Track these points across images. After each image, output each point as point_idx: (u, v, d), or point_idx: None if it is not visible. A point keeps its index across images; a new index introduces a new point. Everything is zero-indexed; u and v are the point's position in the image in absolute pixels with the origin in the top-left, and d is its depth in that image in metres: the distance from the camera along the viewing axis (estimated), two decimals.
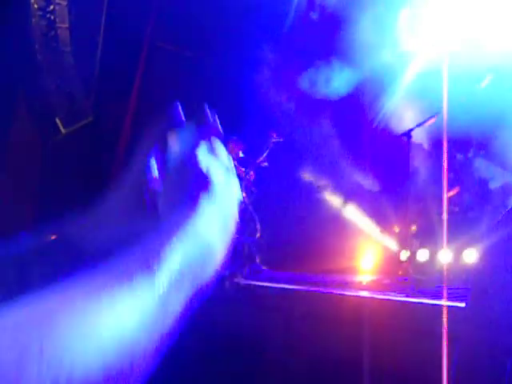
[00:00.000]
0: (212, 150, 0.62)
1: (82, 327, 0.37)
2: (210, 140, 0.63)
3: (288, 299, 4.07)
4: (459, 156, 5.32)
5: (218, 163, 0.61)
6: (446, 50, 4.30)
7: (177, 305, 0.44)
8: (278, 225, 6.24)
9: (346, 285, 4.44)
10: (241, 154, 6.13)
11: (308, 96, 6.17)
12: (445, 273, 4.12)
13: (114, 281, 0.41)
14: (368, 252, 5.41)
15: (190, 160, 0.59)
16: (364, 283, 4.44)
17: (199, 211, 0.53)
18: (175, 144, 0.63)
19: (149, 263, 0.43)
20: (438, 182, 4.39)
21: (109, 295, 0.40)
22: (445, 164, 4.45)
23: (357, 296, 3.92)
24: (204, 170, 0.58)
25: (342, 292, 4.08)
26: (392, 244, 5.44)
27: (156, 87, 6.18)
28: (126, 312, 0.40)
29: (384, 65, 5.27)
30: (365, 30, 5.11)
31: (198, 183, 0.56)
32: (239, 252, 5.87)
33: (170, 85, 6.08)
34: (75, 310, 0.38)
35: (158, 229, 0.49)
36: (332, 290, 4.14)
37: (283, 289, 4.39)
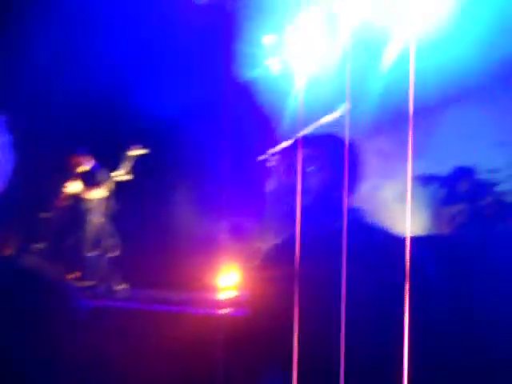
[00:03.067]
0: None
1: None
2: None
3: (145, 318, 3.99)
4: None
5: None
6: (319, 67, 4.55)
7: None
8: (140, 240, 6.15)
9: (204, 303, 4.45)
10: (87, 167, 5.95)
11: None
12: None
13: None
14: (229, 269, 5.49)
15: None
16: (223, 301, 4.49)
17: None
18: None
19: None
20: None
21: None
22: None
23: (214, 314, 3.96)
24: None
25: (200, 310, 4.09)
26: (250, 260, 5.59)
27: None
28: None
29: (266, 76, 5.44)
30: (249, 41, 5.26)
31: None
32: (95, 269, 5.71)
33: None
34: None
35: None
36: (188, 309, 4.14)
37: (140, 307, 4.30)
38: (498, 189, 5.19)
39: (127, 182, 5.98)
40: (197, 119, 6.20)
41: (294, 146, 1.57)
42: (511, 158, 5.14)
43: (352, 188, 1.63)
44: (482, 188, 5.11)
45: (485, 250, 3.06)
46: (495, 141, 5.30)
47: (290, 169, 1.60)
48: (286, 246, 1.76)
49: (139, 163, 6.04)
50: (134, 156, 6.01)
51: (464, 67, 4.80)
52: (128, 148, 5.99)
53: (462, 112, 5.31)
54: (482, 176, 5.23)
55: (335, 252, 1.72)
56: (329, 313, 1.54)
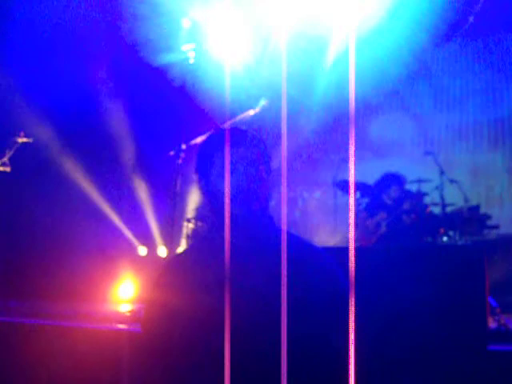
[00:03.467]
0: None
1: None
2: None
3: (29, 335, 3.71)
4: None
5: None
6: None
7: None
8: (15, 244, 5.77)
9: (100, 317, 4.27)
10: None
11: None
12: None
13: None
14: (129, 278, 5.33)
15: None
16: (124, 314, 4.33)
17: None
18: None
19: None
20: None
21: None
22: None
23: (112, 329, 3.80)
24: None
25: (96, 326, 3.91)
26: (154, 269, 5.44)
27: None
28: None
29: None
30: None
31: None
32: None
33: None
34: None
35: None
36: (83, 324, 3.93)
37: (23, 323, 4.01)
38: (426, 200, 5.46)
39: (5, 175, 5.59)
40: (97, 107, 5.96)
41: (210, 142, 1.52)
42: (438, 169, 5.45)
43: (272, 194, 1.62)
44: (409, 198, 5.32)
45: (409, 261, 3.16)
46: (422, 149, 5.60)
47: (206, 166, 1.55)
48: (197, 252, 1.69)
49: (22, 156, 5.68)
50: (15, 146, 5.63)
51: (396, 69, 5.02)
52: (9, 137, 5.61)
53: (391, 117, 5.57)
54: (410, 186, 5.48)
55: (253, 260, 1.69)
56: (259, 320, 1.49)
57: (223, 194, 1.61)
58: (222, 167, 1.66)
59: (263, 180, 1.68)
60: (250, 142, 1.71)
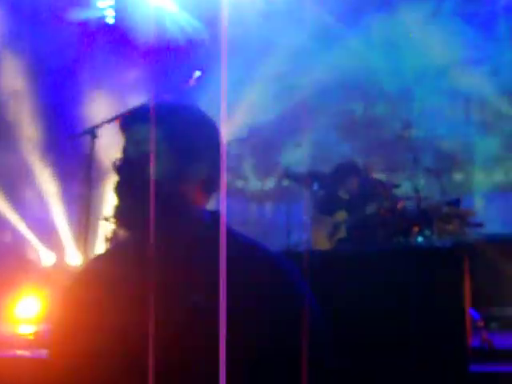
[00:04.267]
0: None
1: None
2: None
3: None
4: None
5: None
6: None
7: None
8: None
9: None
10: None
11: None
12: None
13: None
14: (31, 292, 5.32)
15: None
16: (24, 337, 4.35)
17: None
18: None
19: None
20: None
21: None
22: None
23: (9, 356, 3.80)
24: None
25: None
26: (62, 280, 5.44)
27: None
28: None
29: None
30: None
31: None
32: None
33: None
34: None
35: None
36: None
37: None
38: (397, 192, 5.55)
39: None
40: None
41: (143, 118, 1.48)
42: (412, 154, 5.54)
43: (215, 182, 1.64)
44: (376, 190, 5.38)
45: (375, 268, 3.25)
46: (393, 131, 5.67)
47: (138, 151, 1.53)
48: (117, 257, 1.72)
49: None
50: None
51: None
52: None
53: (356, 93, 5.66)
54: (378, 176, 5.55)
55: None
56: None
57: (161, 184, 1.59)
58: (163, 152, 1.61)
59: (213, 167, 1.66)
60: (195, 120, 1.68)
